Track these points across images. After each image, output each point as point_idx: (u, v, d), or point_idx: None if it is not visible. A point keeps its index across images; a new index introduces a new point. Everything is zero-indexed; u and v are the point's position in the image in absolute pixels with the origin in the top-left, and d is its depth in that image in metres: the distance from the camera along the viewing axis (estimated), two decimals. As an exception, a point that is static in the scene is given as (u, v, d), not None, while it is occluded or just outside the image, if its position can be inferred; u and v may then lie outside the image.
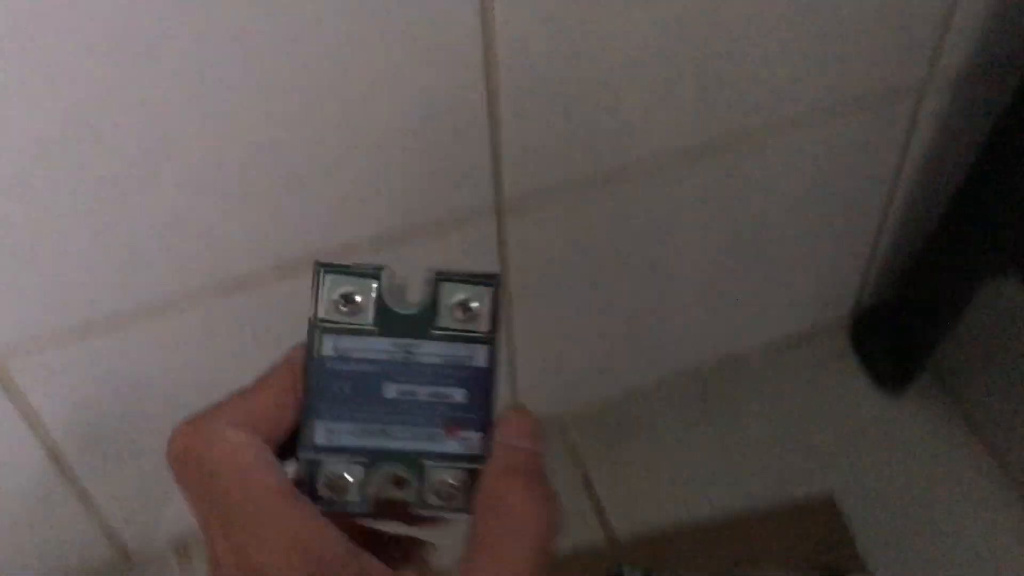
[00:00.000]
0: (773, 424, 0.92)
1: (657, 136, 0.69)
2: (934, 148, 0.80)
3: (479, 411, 0.37)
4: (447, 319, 0.37)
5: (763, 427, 0.92)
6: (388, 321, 0.37)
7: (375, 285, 0.37)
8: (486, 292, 0.37)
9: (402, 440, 0.37)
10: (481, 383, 0.37)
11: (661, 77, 0.64)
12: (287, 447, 0.36)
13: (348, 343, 0.37)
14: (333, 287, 0.36)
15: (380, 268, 0.37)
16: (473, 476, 0.36)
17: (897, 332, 0.88)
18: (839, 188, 0.80)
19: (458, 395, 0.37)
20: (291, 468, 0.36)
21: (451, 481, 0.36)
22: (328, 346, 0.37)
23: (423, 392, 0.37)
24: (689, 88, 0.66)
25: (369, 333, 0.37)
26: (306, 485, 0.36)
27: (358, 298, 0.36)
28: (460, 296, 0.37)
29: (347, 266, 0.36)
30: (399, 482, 0.37)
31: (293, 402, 0.36)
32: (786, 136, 0.73)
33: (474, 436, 0.37)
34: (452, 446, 0.37)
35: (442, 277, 0.37)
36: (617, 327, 0.86)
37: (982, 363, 0.87)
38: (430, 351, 0.37)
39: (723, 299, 0.88)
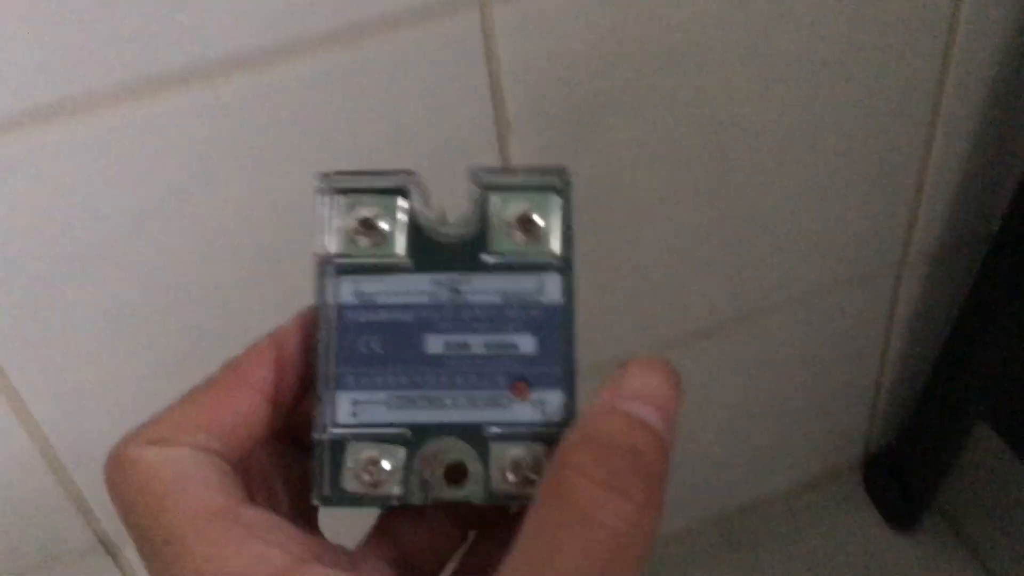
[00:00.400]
0: (794, 564, 0.97)
1: (668, 321, 0.76)
2: (917, 314, 0.88)
3: (556, 363, 0.27)
4: (503, 241, 0.27)
5: (785, 568, 0.96)
6: (424, 251, 0.27)
7: (403, 203, 0.27)
8: (553, 198, 0.27)
9: (455, 409, 0.27)
10: (555, 325, 0.27)
11: (667, 271, 0.72)
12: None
13: (373, 285, 0.27)
14: (348, 210, 0.27)
15: (408, 175, 0.27)
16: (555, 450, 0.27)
17: (903, 473, 0.97)
18: (836, 353, 0.88)
19: (525, 343, 0.27)
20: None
21: (525, 459, 0.27)
22: (347, 291, 0.27)
23: (478, 343, 0.27)
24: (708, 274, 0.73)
25: (401, 269, 0.27)
26: (325, 478, 0.27)
27: (382, 223, 0.27)
28: (517, 207, 0.27)
29: (361, 175, 0.27)
30: (461, 472, 0.28)
31: (282, 382, 0.28)
32: (780, 315, 0.80)
33: (552, 397, 0.27)
34: (523, 412, 0.27)
35: (490, 183, 0.28)
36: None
37: (983, 500, 0.96)
38: (484, 287, 0.27)
39: (742, 450, 0.94)
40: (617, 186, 0.65)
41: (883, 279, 0.83)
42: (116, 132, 0.49)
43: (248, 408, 0.27)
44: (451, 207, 0.28)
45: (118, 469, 0.26)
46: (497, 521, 0.30)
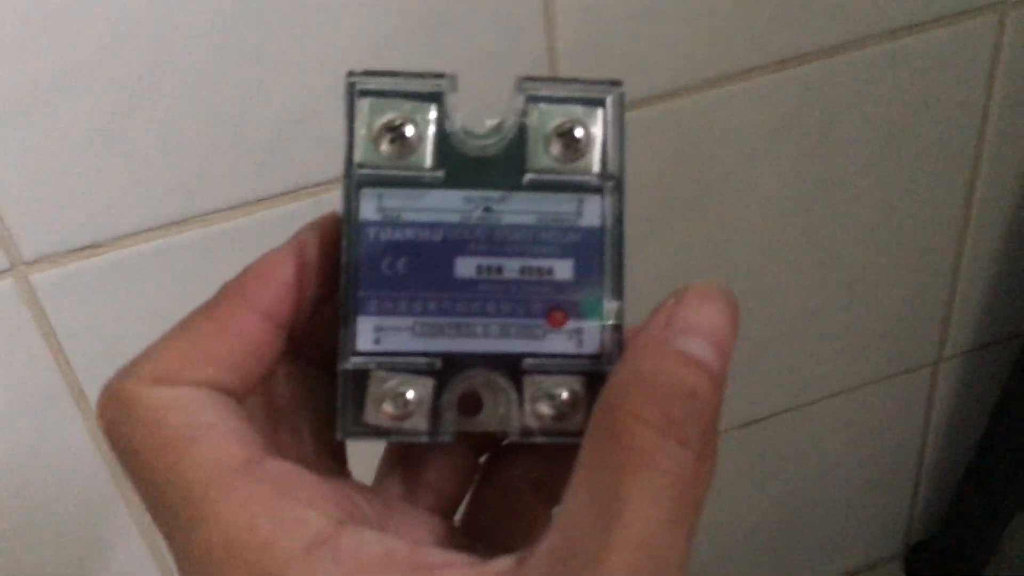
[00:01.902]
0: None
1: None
2: (955, 408, 0.92)
3: (594, 290, 0.26)
4: (541, 157, 0.26)
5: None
6: (455, 164, 0.26)
7: (433, 111, 0.26)
8: (598, 112, 0.26)
9: (486, 339, 0.26)
10: (595, 250, 0.26)
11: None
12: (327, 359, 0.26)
13: (399, 199, 0.26)
14: (373, 114, 0.25)
15: (440, 79, 0.26)
16: (594, 385, 0.25)
17: (944, 563, 1.00)
18: (876, 446, 0.92)
19: (562, 269, 0.26)
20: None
21: (562, 393, 0.26)
22: (369, 205, 0.26)
23: (512, 267, 0.26)
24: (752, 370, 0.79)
25: (429, 183, 0.26)
26: (348, 411, 0.26)
27: (409, 130, 0.25)
28: (558, 119, 0.26)
29: (392, 77, 0.25)
30: (477, 401, 0.27)
31: (300, 300, 0.26)
32: (820, 409, 0.85)
33: (590, 327, 0.26)
34: (560, 343, 0.26)
35: (531, 91, 0.26)
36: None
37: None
38: (519, 207, 0.26)
39: (786, 541, 0.97)
40: (682, 276, 0.67)
41: (920, 375, 0.87)
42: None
43: (257, 335, 0.25)
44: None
45: (118, 410, 0.24)
46: (509, 446, 0.29)
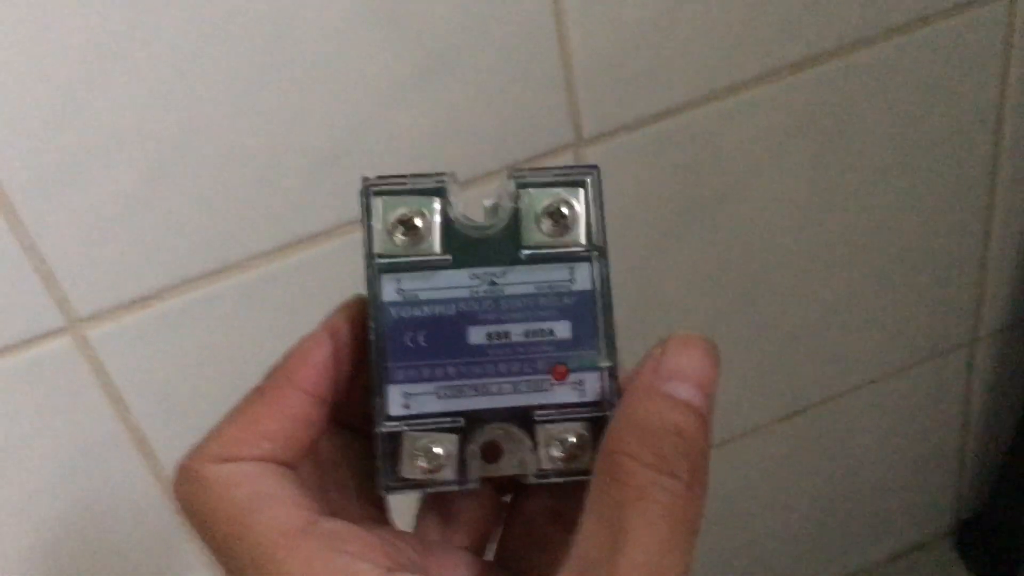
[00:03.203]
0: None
1: (756, 408, 0.85)
2: (994, 385, 0.96)
3: (592, 346, 0.31)
4: (535, 234, 0.31)
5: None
6: (461, 247, 0.31)
7: (437, 204, 0.31)
8: (579, 192, 0.31)
9: (500, 395, 0.31)
10: (589, 309, 0.31)
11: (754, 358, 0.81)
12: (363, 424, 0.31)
13: (414, 282, 0.31)
14: (387, 211, 0.30)
15: (442, 177, 0.31)
16: (597, 427, 0.30)
17: (995, 536, 1.03)
18: (919, 426, 0.96)
19: (561, 329, 0.31)
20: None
21: (570, 438, 0.31)
22: (389, 289, 0.31)
23: (518, 331, 0.31)
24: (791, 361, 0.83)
25: (439, 265, 0.31)
26: (386, 468, 0.31)
27: (418, 222, 0.30)
28: (546, 201, 0.31)
29: (400, 179, 0.30)
30: (497, 449, 0.32)
31: (337, 375, 0.31)
32: (862, 395, 0.89)
33: (590, 377, 0.31)
34: (565, 394, 0.31)
35: (520, 179, 0.31)
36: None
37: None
38: (519, 279, 0.31)
39: (835, 525, 1.02)
40: (713, 277, 0.74)
41: (957, 355, 0.91)
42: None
43: (302, 412, 0.30)
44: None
45: (191, 486, 0.29)
46: (528, 487, 0.34)
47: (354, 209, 0.56)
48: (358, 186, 0.30)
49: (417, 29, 0.55)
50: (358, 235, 0.53)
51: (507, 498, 0.35)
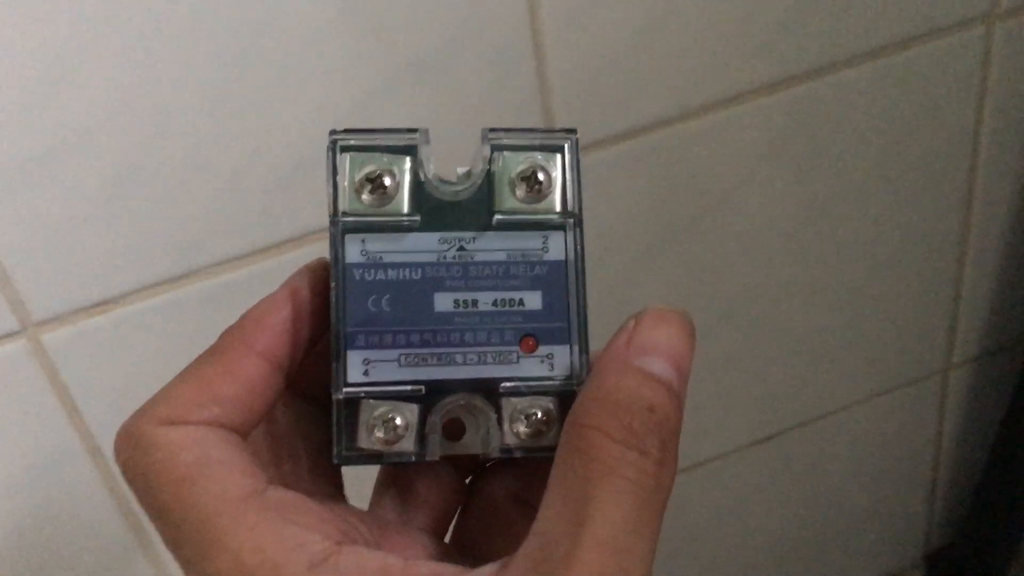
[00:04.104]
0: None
1: (727, 430, 0.85)
2: (967, 414, 0.96)
3: (562, 318, 0.30)
4: (508, 199, 0.30)
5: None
6: (430, 209, 0.30)
7: (408, 163, 0.30)
8: (556, 157, 0.30)
9: (465, 366, 0.30)
10: (560, 281, 0.30)
11: (723, 385, 0.81)
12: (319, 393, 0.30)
13: (380, 243, 0.30)
14: (353, 168, 0.30)
15: (414, 134, 0.30)
16: (565, 404, 0.29)
17: (965, 570, 1.03)
18: (891, 455, 0.96)
19: (531, 299, 0.30)
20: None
21: (537, 413, 0.30)
22: (353, 250, 0.30)
23: (486, 300, 0.30)
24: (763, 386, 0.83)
25: (407, 227, 0.30)
26: (342, 438, 0.30)
27: (387, 180, 0.30)
28: (521, 165, 0.30)
29: (369, 133, 0.30)
30: (459, 427, 0.31)
31: (296, 341, 0.30)
32: (834, 421, 0.89)
33: (559, 351, 0.30)
34: (532, 367, 0.30)
35: (495, 141, 0.30)
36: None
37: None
38: (490, 245, 0.30)
39: (804, 554, 1.01)
40: (686, 300, 0.74)
41: (930, 383, 0.91)
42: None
43: (257, 376, 0.29)
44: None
45: (134, 449, 0.27)
46: (492, 466, 0.33)
47: (325, 218, 0.56)
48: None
49: (392, 40, 0.55)
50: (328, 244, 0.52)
51: (468, 480, 0.34)
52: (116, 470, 0.60)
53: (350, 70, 0.56)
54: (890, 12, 0.66)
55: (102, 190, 0.55)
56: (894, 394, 0.89)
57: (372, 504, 0.33)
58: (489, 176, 0.30)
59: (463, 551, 0.32)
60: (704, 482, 0.87)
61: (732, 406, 0.83)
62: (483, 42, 0.57)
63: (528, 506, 0.32)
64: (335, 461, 0.30)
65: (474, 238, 0.30)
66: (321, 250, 0.58)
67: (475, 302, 0.30)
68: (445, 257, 0.30)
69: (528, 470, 0.32)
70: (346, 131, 0.30)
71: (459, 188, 0.30)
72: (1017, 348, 0.91)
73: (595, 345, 0.30)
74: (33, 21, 0.49)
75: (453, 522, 0.33)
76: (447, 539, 0.33)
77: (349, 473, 0.32)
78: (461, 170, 0.31)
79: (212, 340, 0.54)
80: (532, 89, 0.60)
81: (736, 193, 0.70)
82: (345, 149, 0.30)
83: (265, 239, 0.59)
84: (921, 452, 0.98)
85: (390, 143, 0.30)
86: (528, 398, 0.30)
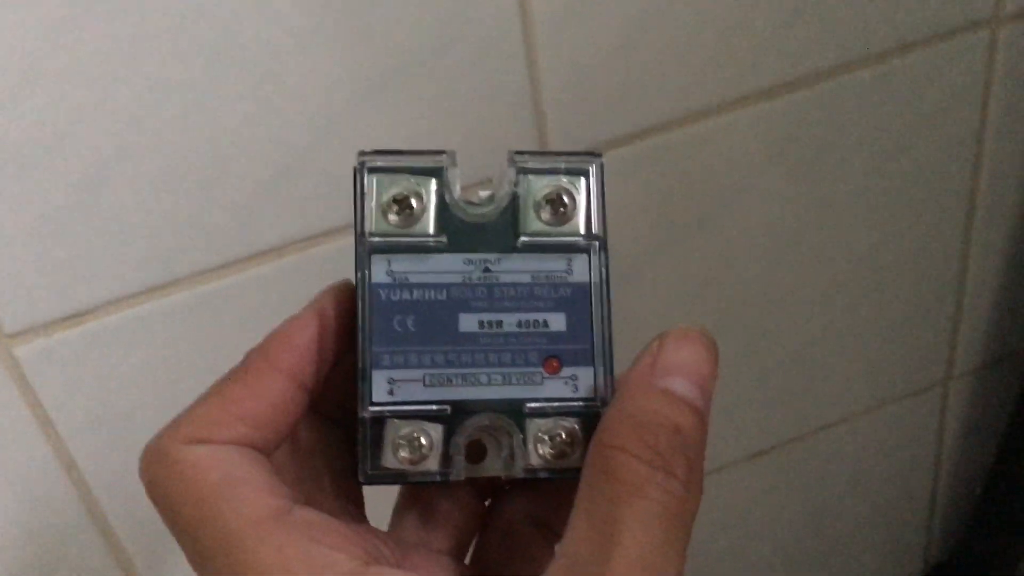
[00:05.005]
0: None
1: (725, 442, 0.85)
2: (967, 427, 0.96)
3: (586, 340, 0.31)
4: (534, 222, 0.31)
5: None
6: (456, 231, 0.31)
7: (434, 184, 0.31)
8: (581, 180, 0.31)
9: (490, 386, 0.30)
10: (584, 303, 0.31)
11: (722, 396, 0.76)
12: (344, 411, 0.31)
13: (406, 264, 0.30)
14: (381, 189, 0.30)
15: (440, 154, 0.31)
16: (589, 425, 0.30)
17: None
18: (890, 468, 0.96)
19: (556, 321, 0.31)
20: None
21: (561, 434, 0.31)
22: (379, 270, 0.30)
23: (510, 321, 0.31)
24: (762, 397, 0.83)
25: (432, 248, 0.31)
26: (367, 456, 0.30)
27: (414, 202, 0.30)
28: (547, 189, 0.31)
29: (397, 155, 0.30)
30: (481, 449, 0.32)
31: (320, 361, 0.30)
32: (833, 433, 0.89)
33: (583, 372, 0.31)
34: (556, 388, 0.31)
35: (521, 164, 0.31)
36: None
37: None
38: (515, 267, 0.31)
39: (802, 567, 1.01)
40: (683, 311, 0.74)
41: (931, 395, 0.91)
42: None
43: (282, 395, 0.29)
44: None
45: (158, 467, 0.28)
46: (512, 489, 0.34)
47: (305, 227, 0.56)
48: (352, 162, 0.30)
49: (377, 43, 0.55)
50: (309, 253, 0.53)
51: (488, 503, 0.35)
52: (92, 485, 0.61)
53: (332, 75, 0.55)
54: (892, 16, 0.66)
55: (74, 198, 0.54)
56: (894, 406, 0.90)
57: (392, 525, 0.33)
58: (514, 198, 0.31)
59: (482, 573, 0.33)
60: (703, 494, 0.87)
61: (727, 421, 0.83)
62: (474, 47, 0.58)
63: (546, 528, 0.33)
64: (361, 480, 0.30)
65: (499, 259, 0.31)
66: (303, 261, 0.59)
67: (500, 323, 0.31)
68: (470, 278, 0.31)
69: (546, 493, 0.32)
70: (374, 152, 0.30)
71: (484, 210, 0.31)
72: (1019, 359, 0.91)
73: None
74: (-1, 22, 0.49)
75: (472, 545, 0.34)
76: (467, 561, 0.34)
77: (370, 495, 0.32)
78: (484, 192, 0.31)
79: (190, 352, 0.54)
80: (524, 95, 0.60)
81: (734, 200, 0.70)
82: (372, 170, 0.30)
83: (245, 249, 0.59)
84: (921, 465, 0.98)
85: (417, 165, 0.30)
86: (552, 419, 0.30)
